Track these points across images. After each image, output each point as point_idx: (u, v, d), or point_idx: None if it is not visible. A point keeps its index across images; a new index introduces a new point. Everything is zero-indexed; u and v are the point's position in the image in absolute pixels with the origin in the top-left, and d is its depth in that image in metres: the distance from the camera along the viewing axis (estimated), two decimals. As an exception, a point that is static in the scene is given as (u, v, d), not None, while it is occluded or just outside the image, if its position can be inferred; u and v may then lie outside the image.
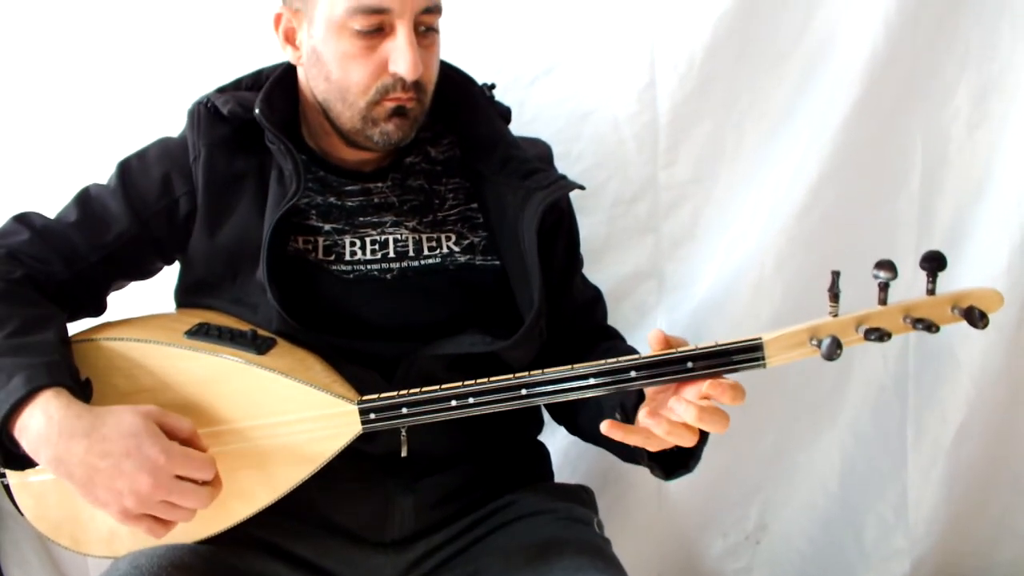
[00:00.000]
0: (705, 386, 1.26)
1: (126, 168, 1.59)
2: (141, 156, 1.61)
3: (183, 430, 1.35)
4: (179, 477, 1.31)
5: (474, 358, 1.47)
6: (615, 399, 1.44)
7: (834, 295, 1.25)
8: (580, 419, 1.65)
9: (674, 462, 1.43)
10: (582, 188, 1.58)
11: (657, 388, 1.33)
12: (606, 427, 1.30)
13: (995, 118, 2.04)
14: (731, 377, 1.29)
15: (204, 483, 1.34)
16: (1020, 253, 2.02)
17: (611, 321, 1.78)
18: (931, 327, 1.24)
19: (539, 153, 1.70)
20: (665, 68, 1.98)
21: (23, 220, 1.56)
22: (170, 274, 1.66)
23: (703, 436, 1.38)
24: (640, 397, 1.40)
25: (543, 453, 1.76)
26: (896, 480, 2.21)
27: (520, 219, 1.53)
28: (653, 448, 1.33)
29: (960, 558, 2.27)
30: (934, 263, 1.24)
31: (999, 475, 2.22)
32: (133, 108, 2.04)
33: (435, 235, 1.58)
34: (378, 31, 1.44)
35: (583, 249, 1.75)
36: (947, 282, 1.26)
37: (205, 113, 1.57)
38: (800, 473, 2.25)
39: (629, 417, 1.41)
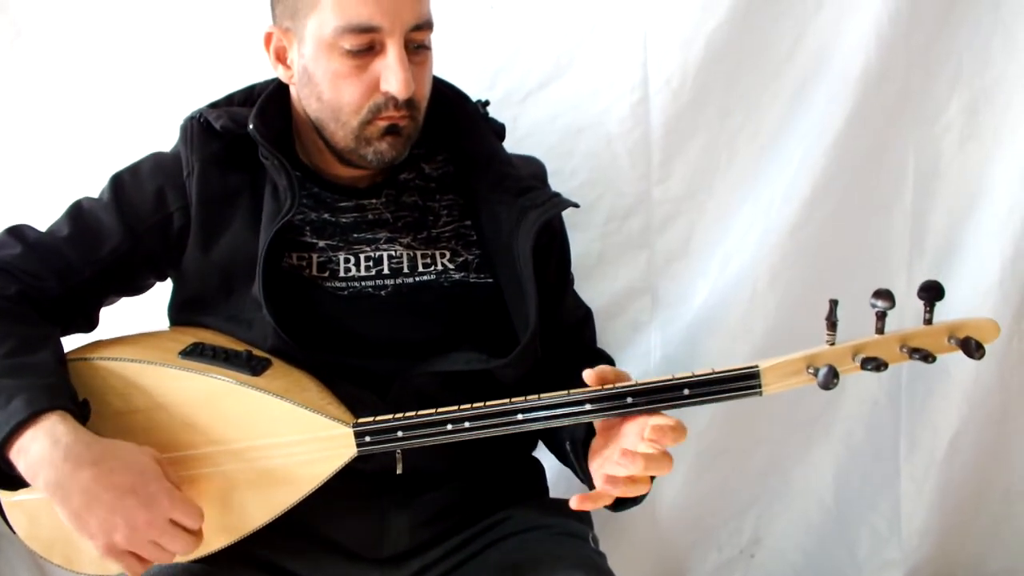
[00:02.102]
0: (647, 431, 1.26)
1: (119, 182, 1.58)
2: (134, 170, 1.60)
3: (172, 479, 1.36)
4: (171, 521, 1.32)
5: (468, 375, 1.47)
6: (568, 430, 1.45)
7: (831, 323, 1.26)
8: (553, 446, 1.66)
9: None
10: (576, 206, 1.58)
11: (606, 422, 1.34)
12: (575, 502, 1.33)
13: (987, 131, 2.05)
14: (722, 405, 1.30)
15: (190, 532, 1.34)
16: (1012, 266, 2.02)
17: (605, 337, 1.78)
18: (927, 357, 1.25)
19: (533, 171, 1.70)
20: (658, 83, 1.98)
21: (15, 233, 1.55)
22: (163, 290, 1.65)
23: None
24: (590, 430, 1.40)
25: (538, 469, 1.75)
26: (889, 493, 2.22)
27: (515, 237, 1.53)
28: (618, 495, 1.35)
29: (953, 569, 2.27)
30: (931, 293, 1.25)
31: (991, 487, 2.23)
32: (124, 121, 2.04)
33: (429, 252, 1.58)
34: (369, 50, 1.43)
35: (576, 266, 1.75)
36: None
37: (198, 128, 1.56)
38: (794, 487, 2.25)
39: (578, 450, 1.43)
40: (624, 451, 1.29)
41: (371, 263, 1.55)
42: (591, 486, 1.46)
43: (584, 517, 1.69)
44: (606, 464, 1.34)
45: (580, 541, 1.58)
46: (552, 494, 1.76)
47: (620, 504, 1.45)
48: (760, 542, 2.27)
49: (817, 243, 2.03)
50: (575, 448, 1.45)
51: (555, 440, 1.59)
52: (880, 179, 2.07)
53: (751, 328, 2.04)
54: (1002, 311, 2.03)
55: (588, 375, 1.33)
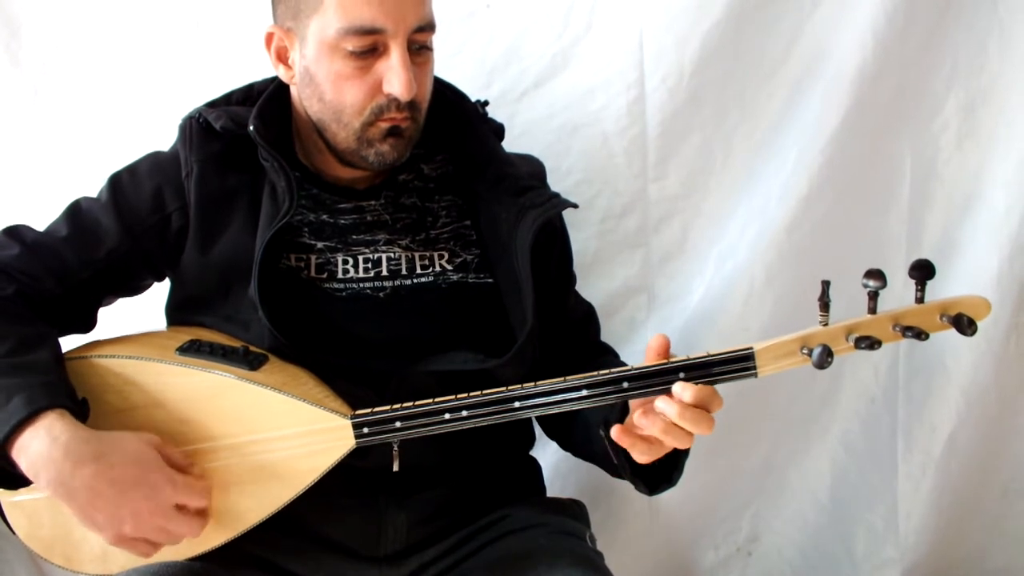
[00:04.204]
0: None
1: (117, 182, 1.58)
2: (132, 170, 1.60)
3: (179, 461, 1.38)
4: (176, 506, 1.33)
5: (465, 375, 1.47)
6: (599, 413, 1.44)
7: (824, 304, 1.26)
8: (571, 434, 1.65)
9: (658, 476, 1.45)
10: (575, 206, 1.58)
11: (641, 401, 1.33)
12: (616, 433, 1.31)
13: (984, 130, 2.05)
14: (721, 387, 1.30)
15: (198, 512, 1.37)
16: (1009, 265, 2.03)
17: (602, 335, 1.78)
18: (920, 334, 1.25)
19: (532, 170, 1.70)
20: (654, 82, 1.98)
21: (13, 234, 1.55)
22: (160, 291, 1.66)
23: (685, 449, 1.40)
24: (624, 412, 1.40)
25: (535, 467, 1.76)
26: (886, 491, 2.22)
27: (514, 237, 1.53)
28: (652, 457, 1.34)
29: (950, 567, 2.28)
30: (923, 271, 1.25)
31: (988, 485, 2.24)
32: (123, 120, 2.04)
33: (428, 253, 1.58)
34: (371, 51, 1.43)
35: (573, 264, 1.75)
36: (936, 294, 1.28)
37: (197, 128, 1.56)
38: (791, 485, 2.26)
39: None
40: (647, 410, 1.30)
41: (370, 265, 1.55)
42: (619, 474, 1.46)
43: (581, 516, 1.69)
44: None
45: (577, 539, 1.58)
46: (548, 493, 1.76)
47: (656, 486, 1.45)
48: (757, 540, 2.27)
49: (813, 242, 2.03)
50: (608, 430, 1.41)
51: (580, 429, 1.58)
52: (877, 178, 2.07)
53: (747, 326, 2.04)
54: (999, 309, 2.04)
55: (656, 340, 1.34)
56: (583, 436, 1.57)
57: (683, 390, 1.27)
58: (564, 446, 1.72)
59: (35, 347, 1.41)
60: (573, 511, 1.68)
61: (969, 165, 2.07)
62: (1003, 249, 2.03)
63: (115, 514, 1.30)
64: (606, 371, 1.32)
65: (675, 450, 1.36)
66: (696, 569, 2.27)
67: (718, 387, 1.30)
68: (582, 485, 2.08)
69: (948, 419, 2.14)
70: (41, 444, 1.29)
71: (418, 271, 1.56)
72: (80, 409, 1.38)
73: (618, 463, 1.43)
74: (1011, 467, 2.22)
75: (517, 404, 1.34)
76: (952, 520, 2.22)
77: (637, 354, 2.06)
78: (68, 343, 1.53)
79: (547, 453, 1.87)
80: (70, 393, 1.39)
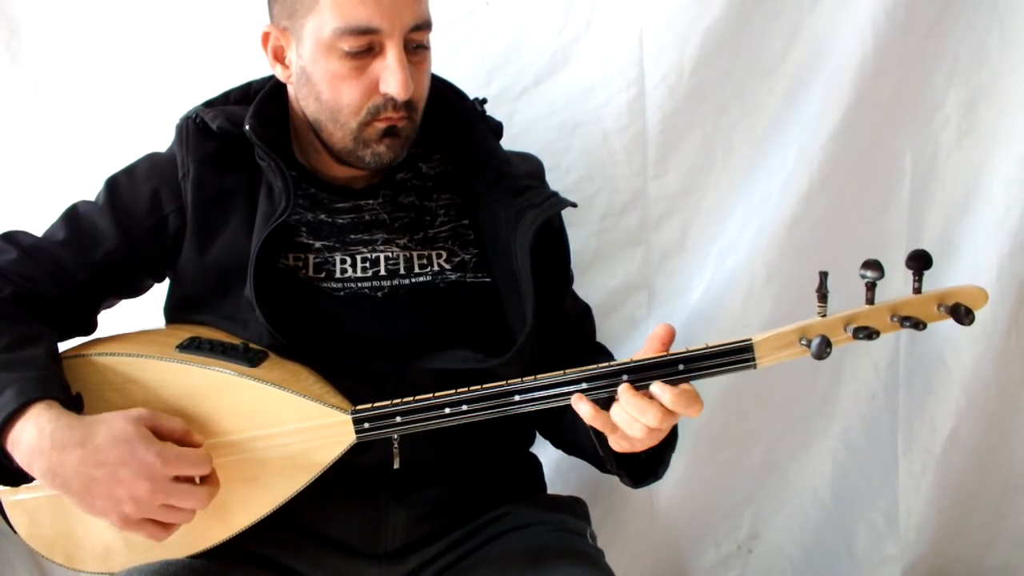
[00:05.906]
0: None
1: (114, 185, 1.58)
2: (129, 173, 1.59)
3: (176, 430, 1.37)
4: (176, 479, 1.32)
5: (465, 374, 1.46)
6: None
7: (822, 295, 1.27)
8: (560, 429, 1.66)
9: (643, 469, 1.45)
10: (574, 206, 1.58)
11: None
12: (575, 399, 1.31)
13: (984, 126, 2.05)
14: (722, 385, 1.30)
15: (202, 481, 1.36)
16: (1009, 262, 2.03)
17: (601, 333, 1.78)
18: (918, 324, 1.26)
19: (531, 169, 1.69)
20: (654, 79, 1.98)
21: (10, 239, 1.55)
22: (160, 291, 1.65)
23: (671, 441, 1.42)
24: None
25: (535, 465, 1.76)
26: (887, 488, 2.22)
27: (513, 237, 1.53)
28: (630, 447, 1.34)
29: (951, 564, 2.28)
30: (920, 262, 1.26)
31: (989, 482, 2.24)
32: (121, 120, 2.04)
33: (426, 252, 1.58)
34: (368, 51, 1.43)
35: (573, 262, 1.75)
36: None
37: (194, 128, 1.56)
38: (792, 482, 2.26)
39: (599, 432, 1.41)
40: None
41: (368, 264, 1.55)
42: (608, 463, 1.46)
43: (582, 513, 1.69)
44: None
45: (578, 537, 1.59)
46: (549, 490, 1.77)
47: (641, 479, 1.46)
48: (758, 537, 2.28)
49: (814, 239, 2.03)
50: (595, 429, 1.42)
51: (568, 423, 1.58)
52: (877, 175, 2.07)
53: (748, 324, 2.04)
54: (999, 307, 2.04)
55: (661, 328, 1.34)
56: (571, 430, 1.57)
57: (662, 392, 1.28)
58: (555, 443, 1.73)
59: (29, 344, 1.41)
60: (574, 509, 1.68)
61: (969, 161, 2.07)
62: (1003, 246, 2.03)
63: (111, 496, 1.29)
64: (605, 364, 1.33)
65: (661, 443, 1.37)
66: (697, 567, 2.27)
67: (719, 380, 1.30)
68: (583, 482, 2.08)
69: (949, 416, 2.14)
70: (30, 436, 1.29)
71: (416, 270, 1.56)
72: (73, 403, 1.37)
73: (603, 455, 1.44)
74: (1011, 464, 2.23)
75: (517, 398, 1.34)
76: (953, 517, 2.22)
77: (636, 352, 2.08)
78: (68, 345, 1.53)
79: (547, 450, 1.86)
80: (63, 386, 1.38)
